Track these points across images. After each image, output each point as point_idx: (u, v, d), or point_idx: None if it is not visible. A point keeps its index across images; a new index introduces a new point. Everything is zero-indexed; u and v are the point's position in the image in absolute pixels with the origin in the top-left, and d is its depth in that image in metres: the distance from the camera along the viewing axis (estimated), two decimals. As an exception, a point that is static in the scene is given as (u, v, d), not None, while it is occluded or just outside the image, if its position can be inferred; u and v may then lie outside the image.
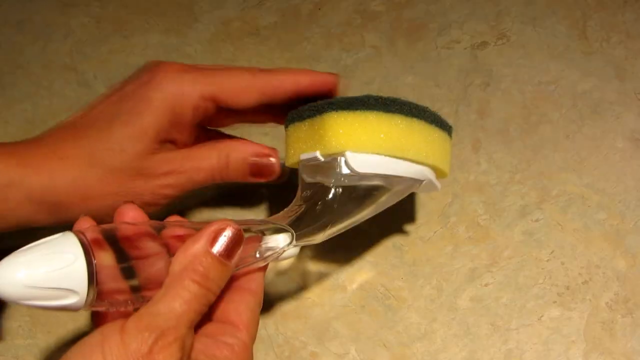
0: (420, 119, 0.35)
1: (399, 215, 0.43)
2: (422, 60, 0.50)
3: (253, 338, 0.29)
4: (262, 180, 0.35)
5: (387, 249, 0.42)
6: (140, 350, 0.23)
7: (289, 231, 0.31)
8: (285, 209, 0.34)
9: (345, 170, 0.33)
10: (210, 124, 0.37)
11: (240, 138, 0.37)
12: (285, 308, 0.40)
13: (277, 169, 0.35)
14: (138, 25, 0.52)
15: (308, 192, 0.34)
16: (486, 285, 0.41)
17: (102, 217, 0.32)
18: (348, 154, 0.33)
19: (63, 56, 0.51)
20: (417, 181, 0.36)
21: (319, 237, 0.33)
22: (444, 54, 0.51)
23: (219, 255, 0.27)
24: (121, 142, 0.32)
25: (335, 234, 0.34)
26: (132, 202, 0.30)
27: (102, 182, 0.32)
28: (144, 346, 0.23)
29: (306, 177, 0.35)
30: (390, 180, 0.35)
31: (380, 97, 0.34)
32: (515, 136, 0.47)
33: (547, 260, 0.41)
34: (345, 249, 0.42)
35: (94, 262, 0.25)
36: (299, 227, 0.32)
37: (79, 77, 0.50)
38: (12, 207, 0.31)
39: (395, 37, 0.51)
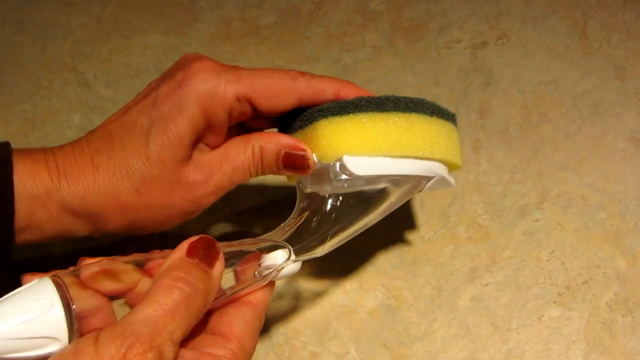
0: (419, 112, 0.34)
1: (399, 215, 0.43)
2: (422, 60, 0.50)
3: (247, 350, 0.28)
4: (296, 174, 0.34)
5: (387, 249, 0.42)
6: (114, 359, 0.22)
7: (285, 247, 0.31)
8: (283, 224, 0.33)
9: (343, 176, 0.32)
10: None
11: (269, 131, 0.35)
12: (285, 308, 0.40)
13: (311, 162, 0.33)
14: (138, 25, 0.52)
15: (305, 203, 0.33)
16: (486, 285, 0.41)
17: (145, 228, 0.32)
18: (345, 158, 0.32)
19: (63, 56, 0.51)
20: (424, 178, 0.35)
21: (320, 250, 0.32)
22: (444, 54, 0.51)
23: (192, 256, 0.26)
24: (158, 152, 0.30)
25: (339, 244, 0.33)
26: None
27: (140, 193, 0.31)
28: (117, 354, 0.22)
29: (304, 188, 0.34)
30: (395, 180, 0.34)
31: (373, 98, 0.33)
32: (515, 136, 0.47)
33: (547, 260, 0.41)
34: (345, 249, 0.42)
35: (73, 306, 0.24)
36: (298, 240, 0.31)
37: (79, 77, 0.50)
38: (50, 217, 0.30)
39: (395, 36, 0.51)
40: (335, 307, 0.40)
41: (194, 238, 0.27)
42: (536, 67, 0.50)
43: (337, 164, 0.32)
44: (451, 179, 0.36)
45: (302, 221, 0.32)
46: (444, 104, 0.48)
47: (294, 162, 0.33)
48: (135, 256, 0.28)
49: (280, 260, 0.30)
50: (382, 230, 0.43)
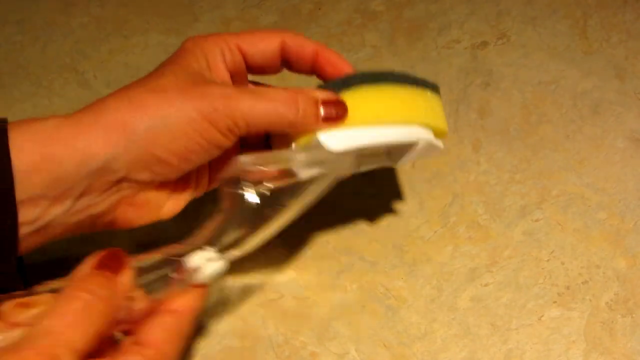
0: (388, 82, 0.34)
1: (399, 215, 0.43)
2: (422, 60, 0.50)
3: (167, 355, 0.28)
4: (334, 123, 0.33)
5: (387, 249, 0.42)
6: None
7: (203, 248, 0.30)
8: (202, 226, 0.32)
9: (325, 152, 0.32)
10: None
11: None
12: (285, 308, 0.40)
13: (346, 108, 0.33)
14: (138, 25, 0.52)
15: (226, 202, 0.33)
16: (486, 285, 0.41)
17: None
18: (321, 136, 0.32)
19: (63, 56, 0.51)
20: (409, 145, 0.35)
21: (245, 248, 0.32)
22: (444, 54, 0.51)
23: (101, 269, 0.26)
24: (172, 74, 0.31)
25: (267, 239, 0.33)
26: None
27: (156, 92, 0.30)
28: None
29: (226, 188, 0.33)
30: (377, 152, 0.35)
31: (341, 79, 0.34)
32: (515, 136, 0.47)
33: (547, 260, 0.41)
34: (345, 249, 0.42)
35: None
36: (219, 240, 0.31)
37: (79, 77, 0.50)
38: (65, 146, 0.28)
39: (395, 36, 0.51)
40: (335, 307, 0.40)
41: (100, 252, 0.27)
42: (536, 67, 0.50)
43: (315, 145, 0.32)
44: (439, 143, 0.36)
45: (222, 221, 0.32)
46: (443, 103, 0.48)
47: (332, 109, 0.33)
48: (53, 283, 0.28)
49: (199, 262, 0.30)
50: (381, 230, 0.43)
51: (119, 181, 0.30)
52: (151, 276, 0.29)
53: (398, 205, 0.44)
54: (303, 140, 0.33)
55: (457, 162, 0.45)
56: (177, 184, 0.33)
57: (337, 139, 0.32)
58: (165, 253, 0.30)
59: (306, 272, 0.41)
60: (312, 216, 0.43)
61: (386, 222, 0.43)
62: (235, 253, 0.32)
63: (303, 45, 0.34)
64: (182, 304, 0.30)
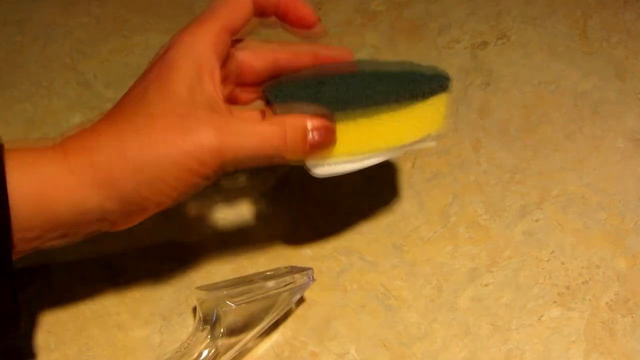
0: (386, 103, 0.34)
1: (399, 215, 0.43)
2: (422, 60, 0.50)
3: None
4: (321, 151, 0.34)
5: (387, 249, 0.42)
6: None
7: None
8: (182, 342, 0.36)
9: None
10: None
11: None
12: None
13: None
14: (138, 25, 0.52)
15: (201, 325, 0.36)
16: (486, 285, 0.41)
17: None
18: (308, 163, 0.33)
19: (63, 56, 0.51)
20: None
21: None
22: (444, 54, 0.51)
23: None
24: (159, 106, 0.30)
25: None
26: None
27: (144, 150, 0.29)
28: None
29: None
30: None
31: (338, 94, 0.34)
32: (515, 136, 0.47)
33: (547, 260, 0.41)
34: (345, 249, 0.42)
35: None
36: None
37: (79, 77, 0.50)
38: (61, 192, 0.29)
39: (395, 36, 0.51)
40: (335, 307, 0.40)
41: None
42: (536, 67, 0.50)
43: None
44: (431, 144, 0.37)
45: (200, 340, 0.35)
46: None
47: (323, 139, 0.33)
48: None
49: None
50: (381, 230, 0.43)
51: (113, 219, 0.31)
52: None
53: (398, 205, 0.44)
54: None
55: (457, 162, 0.45)
56: None
57: (322, 167, 0.33)
58: None
59: (306, 272, 0.41)
60: (312, 216, 0.43)
61: (386, 222, 0.43)
62: None
63: None
64: None
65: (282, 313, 0.38)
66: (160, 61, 0.32)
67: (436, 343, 0.39)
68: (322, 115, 0.33)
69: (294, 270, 0.38)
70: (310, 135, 0.32)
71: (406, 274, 0.41)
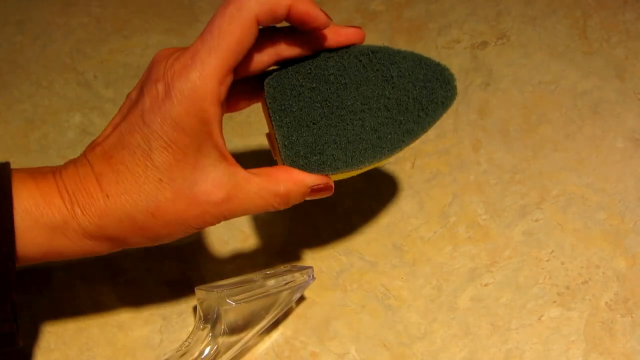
0: (380, 156, 0.34)
1: (399, 215, 0.43)
2: (422, 60, 0.50)
3: None
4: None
5: (387, 249, 0.42)
6: None
7: None
8: (181, 345, 0.36)
9: None
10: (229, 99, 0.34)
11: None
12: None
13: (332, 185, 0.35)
14: (138, 25, 0.52)
15: (201, 323, 0.36)
16: (486, 285, 0.41)
17: (164, 240, 0.32)
18: None
19: (63, 56, 0.51)
20: None
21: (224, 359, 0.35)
22: (444, 54, 0.51)
23: None
24: (168, 172, 0.30)
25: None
26: None
27: (155, 216, 0.30)
28: None
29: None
30: None
31: (338, 154, 0.34)
32: (515, 136, 0.47)
33: (547, 260, 0.41)
34: (345, 249, 0.42)
35: None
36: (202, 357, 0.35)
37: (79, 77, 0.50)
38: (71, 244, 0.30)
39: (395, 36, 0.51)
40: (335, 307, 0.40)
41: None
42: (536, 67, 0.50)
43: None
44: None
45: (200, 339, 0.35)
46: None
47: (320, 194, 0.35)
48: None
49: None
50: (381, 230, 0.43)
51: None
52: None
53: (398, 205, 0.44)
54: None
55: (457, 162, 0.45)
56: None
57: None
58: None
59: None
60: (312, 216, 0.43)
61: (386, 222, 0.43)
62: None
63: (276, 11, 0.30)
64: None
65: (282, 312, 0.38)
66: (161, 112, 0.29)
67: (436, 343, 0.39)
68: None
69: (294, 269, 0.38)
70: (309, 193, 0.34)
71: (406, 274, 0.41)
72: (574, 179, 0.45)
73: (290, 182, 0.33)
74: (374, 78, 0.34)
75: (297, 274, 0.37)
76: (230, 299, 0.35)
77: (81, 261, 0.41)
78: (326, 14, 0.31)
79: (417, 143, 0.46)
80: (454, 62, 0.50)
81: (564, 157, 0.46)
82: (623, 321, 0.39)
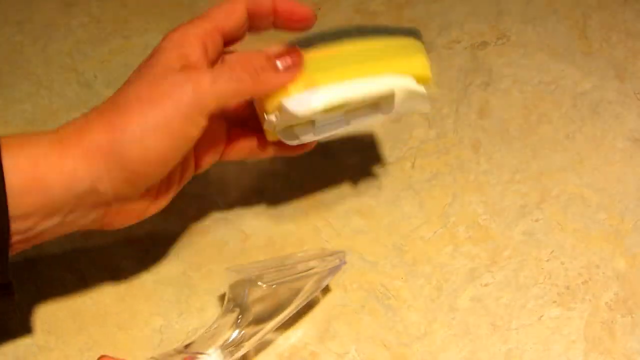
0: (356, 36, 0.34)
1: (399, 215, 0.43)
2: (422, 60, 0.50)
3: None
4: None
5: (387, 249, 0.42)
6: None
7: (214, 353, 0.32)
8: (210, 327, 0.34)
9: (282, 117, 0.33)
10: None
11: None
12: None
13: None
14: (138, 25, 0.52)
15: (231, 304, 0.35)
16: (486, 285, 0.41)
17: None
18: (283, 101, 0.32)
19: (63, 56, 0.51)
20: (389, 96, 0.35)
21: (247, 346, 0.34)
22: (444, 54, 0.51)
23: None
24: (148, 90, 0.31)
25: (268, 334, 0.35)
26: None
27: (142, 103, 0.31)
28: None
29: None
30: (352, 113, 0.35)
31: (303, 38, 0.34)
32: (515, 136, 0.47)
33: (547, 260, 0.41)
34: (345, 249, 0.42)
35: None
36: (225, 342, 0.33)
37: (79, 77, 0.50)
38: (58, 164, 0.30)
39: (395, 37, 0.51)
40: (335, 307, 0.40)
41: None
42: (536, 67, 0.50)
43: (279, 112, 0.33)
44: (420, 88, 0.36)
45: (228, 323, 0.34)
46: (443, 104, 0.48)
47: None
48: None
49: None
50: (381, 230, 0.43)
51: (108, 201, 0.32)
52: None
53: (398, 205, 0.44)
54: (271, 107, 0.33)
55: (457, 162, 0.45)
56: (160, 186, 0.35)
57: (300, 102, 0.32)
58: (180, 350, 0.32)
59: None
60: (312, 216, 0.43)
61: (386, 222, 0.43)
62: (239, 353, 0.33)
63: (262, 3, 0.35)
64: None
65: (310, 298, 0.37)
66: (149, 56, 0.33)
67: (436, 343, 0.39)
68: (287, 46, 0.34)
69: (325, 252, 0.37)
70: (278, 64, 0.33)
71: (406, 274, 0.41)
72: (574, 179, 0.45)
73: (250, 51, 0.34)
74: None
75: (328, 258, 0.36)
76: (261, 282, 0.34)
77: (81, 261, 0.41)
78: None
79: (417, 143, 0.46)
80: (454, 62, 0.50)
81: (564, 157, 0.46)
82: (623, 321, 0.39)
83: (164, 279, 0.41)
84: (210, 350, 0.33)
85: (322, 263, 0.36)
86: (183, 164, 0.35)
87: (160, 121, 0.30)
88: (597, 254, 0.42)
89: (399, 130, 0.47)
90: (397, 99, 0.35)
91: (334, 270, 0.37)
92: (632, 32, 0.51)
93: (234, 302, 0.35)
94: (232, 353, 0.34)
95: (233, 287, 0.35)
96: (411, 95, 0.36)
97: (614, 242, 0.42)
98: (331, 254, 0.37)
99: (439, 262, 0.41)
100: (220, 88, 0.31)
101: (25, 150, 0.29)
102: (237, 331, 0.34)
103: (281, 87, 0.33)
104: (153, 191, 0.34)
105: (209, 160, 0.37)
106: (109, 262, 0.41)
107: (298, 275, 0.35)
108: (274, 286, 0.34)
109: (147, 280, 0.41)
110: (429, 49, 0.50)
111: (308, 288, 0.36)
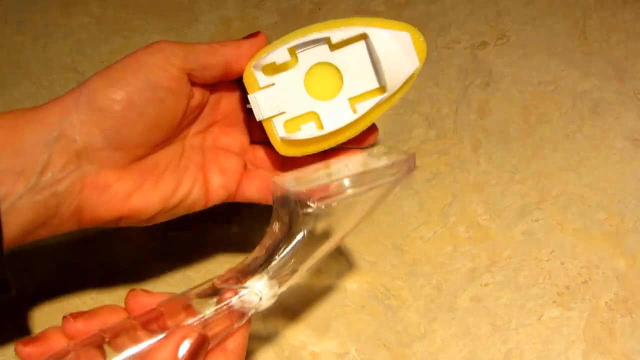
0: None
1: (399, 215, 0.43)
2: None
3: None
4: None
5: (387, 249, 0.42)
6: None
7: (260, 281, 0.29)
8: (255, 251, 0.31)
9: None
10: None
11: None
12: (285, 308, 0.40)
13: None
14: (138, 25, 0.52)
15: (278, 225, 0.31)
16: (486, 285, 0.41)
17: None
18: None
19: (63, 56, 0.51)
20: (372, 53, 0.33)
21: (296, 277, 0.30)
22: (444, 54, 0.51)
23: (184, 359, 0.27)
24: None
25: (316, 265, 0.31)
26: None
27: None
28: None
29: (281, 210, 0.31)
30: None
31: None
32: (515, 136, 0.47)
33: (547, 260, 0.41)
34: (345, 249, 0.42)
35: None
36: (275, 268, 0.30)
37: (79, 77, 0.50)
38: (40, 125, 0.30)
39: (395, 37, 0.51)
40: (335, 307, 0.40)
41: (185, 332, 0.28)
42: (536, 67, 0.50)
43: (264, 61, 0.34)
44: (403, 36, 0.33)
45: (276, 243, 0.30)
46: (443, 104, 0.48)
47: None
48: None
49: (256, 292, 0.29)
50: (381, 230, 0.43)
51: (78, 155, 0.31)
52: (210, 308, 0.29)
53: (398, 205, 0.44)
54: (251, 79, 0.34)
55: (457, 162, 0.45)
56: (141, 174, 0.33)
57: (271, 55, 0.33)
58: (221, 282, 0.30)
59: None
60: (312, 216, 0.43)
61: (386, 222, 0.43)
62: (290, 281, 0.30)
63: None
64: (235, 344, 0.30)
65: (371, 212, 0.32)
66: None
67: (436, 343, 0.39)
68: None
69: (390, 156, 0.32)
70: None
71: (406, 274, 0.41)
72: (573, 179, 0.45)
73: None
74: None
75: (389, 169, 0.30)
76: (311, 202, 0.29)
77: (81, 261, 0.41)
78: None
79: (417, 143, 0.46)
80: (454, 62, 0.50)
81: (563, 157, 0.46)
82: (623, 321, 0.39)
83: (164, 279, 0.41)
84: (256, 279, 0.29)
85: (383, 172, 0.30)
86: (177, 177, 0.34)
87: (132, 63, 0.34)
88: (597, 254, 0.42)
89: (399, 130, 0.47)
90: (384, 52, 0.33)
91: (400, 179, 0.31)
92: (632, 32, 0.51)
93: (280, 221, 0.30)
94: (281, 282, 0.30)
95: (279, 204, 0.30)
96: (391, 40, 0.33)
97: (614, 242, 0.42)
98: (398, 159, 0.31)
99: (438, 262, 0.41)
100: (202, 50, 0.34)
101: (5, 115, 0.30)
102: (288, 252, 0.30)
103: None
104: (130, 174, 0.33)
105: (218, 190, 0.36)
106: (108, 262, 0.41)
107: (356, 191, 0.30)
108: (327, 206, 0.29)
109: (147, 280, 0.41)
110: (429, 49, 0.51)
111: (370, 203, 0.31)
